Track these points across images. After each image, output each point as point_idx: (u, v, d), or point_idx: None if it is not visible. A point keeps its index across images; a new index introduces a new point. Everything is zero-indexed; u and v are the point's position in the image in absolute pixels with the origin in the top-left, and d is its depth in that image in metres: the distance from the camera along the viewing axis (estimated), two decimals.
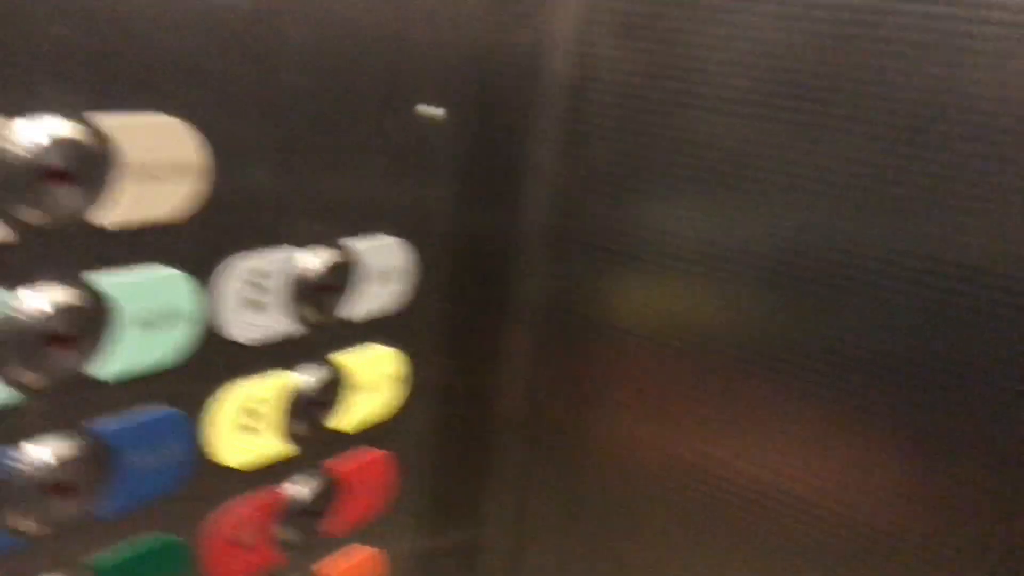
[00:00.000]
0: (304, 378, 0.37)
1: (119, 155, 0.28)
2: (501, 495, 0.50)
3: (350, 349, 0.39)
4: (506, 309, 0.47)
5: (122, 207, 0.28)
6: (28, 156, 0.26)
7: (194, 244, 0.31)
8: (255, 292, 0.34)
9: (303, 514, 0.38)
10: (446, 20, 0.39)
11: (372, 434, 0.41)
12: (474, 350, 0.47)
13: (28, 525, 0.29)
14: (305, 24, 0.32)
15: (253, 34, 0.31)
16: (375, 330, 0.40)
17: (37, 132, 0.26)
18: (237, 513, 0.36)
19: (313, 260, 0.35)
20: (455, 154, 0.41)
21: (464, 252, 0.43)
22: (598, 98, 0.44)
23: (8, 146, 0.25)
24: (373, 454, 0.41)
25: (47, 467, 0.28)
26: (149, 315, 0.30)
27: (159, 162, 0.29)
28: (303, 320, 0.36)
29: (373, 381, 0.40)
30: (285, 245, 0.34)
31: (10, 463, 0.28)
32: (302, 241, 0.35)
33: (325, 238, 0.36)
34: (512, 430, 0.49)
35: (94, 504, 0.30)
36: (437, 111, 0.39)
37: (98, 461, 0.30)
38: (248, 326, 0.34)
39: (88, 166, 0.27)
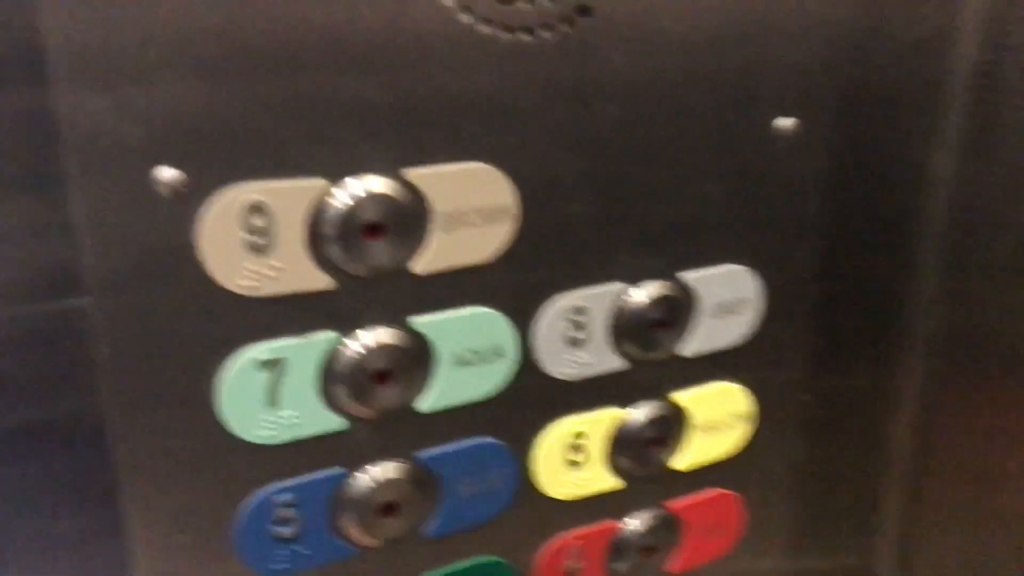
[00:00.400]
0: (634, 415, 0.35)
1: (431, 206, 0.29)
2: (880, 546, 0.44)
3: (690, 386, 0.36)
4: (890, 338, 0.41)
5: (435, 254, 0.30)
6: (348, 213, 0.28)
7: (510, 283, 0.32)
8: (575, 329, 0.33)
9: (638, 550, 0.37)
10: (811, 14, 0.34)
11: (718, 473, 0.38)
12: (850, 383, 0.41)
13: (362, 538, 0.32)
14: (626, 45, 0.31)
15: (562, 68, 0.30)
16: (719, 366, 0.37)
17: (356, 190, 0.28)
18: (567, 543, 0.36)
19: (639, 295, 0.34)
20: (816, 168, 0.36)
21: (834, 277, 0.38)
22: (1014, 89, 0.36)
23: (331, 205, 0.28)
24: (719, 494, 0.39)
25: (376, 488, 0.31)
26: (466, 352, 0.31)
27: (470, 208, 0.30)
28: (628, 357, 0.34)
29: (716, 419, 0.37)
30: (611, 280, 0.33)
31: (345, 483, 0.31)
32: (631, 275, 0.34)
33: (658, 271, 0.34)
34: (898, 466, 0.43)
35: (421, 524, 0.33)
36: (790, 121, 0.34)
37: (422, 485, 0.32)
38: (568, 363, 0.33)
39: (402, 218, 0.29)
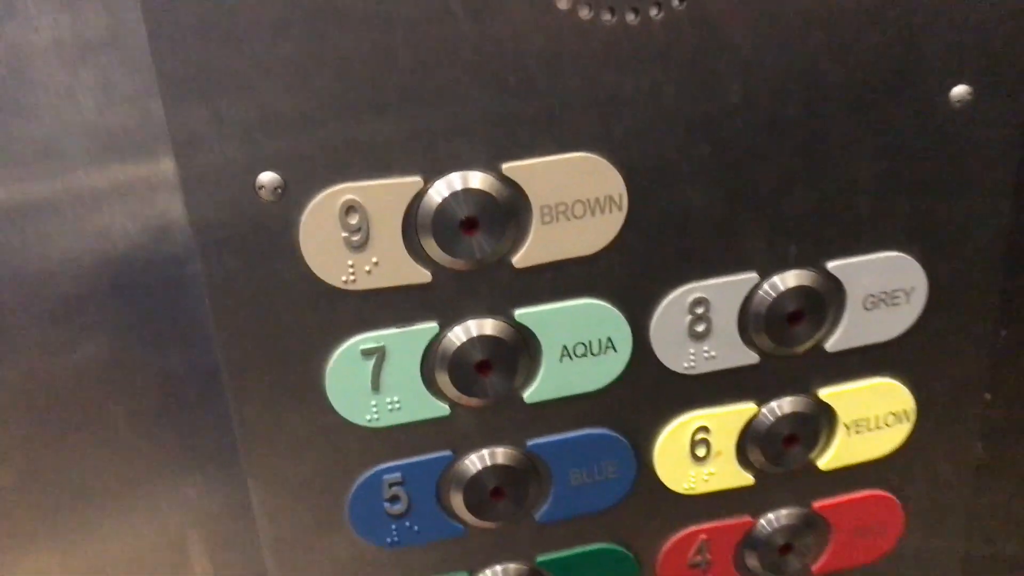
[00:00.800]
0: (768, 410, 0.33)
1: (530, 199, 0.28)
2: None
3: (838, 382, 0.33)
4: None
5: (536, 247, 0.29)
6: (442, 209, 0.28)
7: (620, 275, 0.30)
8: (696, 322, 0.31)
9: (773, 548, 0.35)
10: None
11: (874, 474, 0.35)
12: None
13: (471, 519, 0.32)
14: (747, 18, 0.27)
15: (673, 47, 0.27)
16: (874, 360, 0.33)
17: (452, 186, 0.28)
18: (692, 536, 0.35)
19: (772, 285, 0.31)
20: (992, 140, 0.30)
21: (1016, 262, 0.33)
22: None
23: (427, 201, 0.28)
24: (872, 495, 0.35)
25: (483, 472, 0.32)
26: (573, 344, 0.30)
27: (573, 199, 0.28)
28: (760, 351, 0.32)
29: (869, 417, 0.34)
30: (741, 270, 0.31)
31: (452, 466, 0.32)
32: (764, 265, 0.31)
33: (798, 260, 0.31)
34: None
35: (532, 509, 0.33)
36: (963, 89, 0.29)
37: (529, 471, 0.32)
38: (690, 356, 0.31)
39: (499, 213, 0.28)
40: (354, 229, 0.28)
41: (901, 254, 0.31)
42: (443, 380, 0.30)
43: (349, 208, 0.27)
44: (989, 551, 0.38)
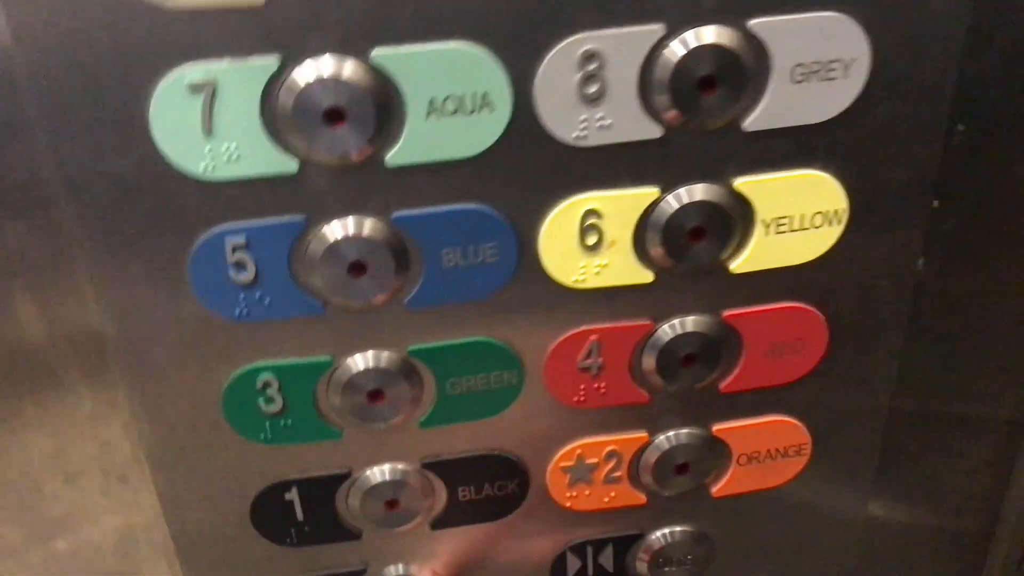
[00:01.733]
0: (670, 198, 0.29)
1: None
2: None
3: (757, 171, 0.29)
4: None
5: None
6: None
7: (499, 14, 0.25)
8: (588, 81, 0.26)
9: (675, 357, 0.32)
10: None
11: (794, 282, 0.31)
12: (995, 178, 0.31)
13: (329, 296, 0.29)
14: None
15: None
16: (802, 148, 0.29)
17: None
18: (581, 335, 0.31)
19: (681, 43, 0.26)
20: None
21: (989, 46, 0.28)
22: None
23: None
24: (790, 306, 0.32)
25: (340, 243, 0.28)
26: (440, 95, 0.26)
27: None
28: (664, 124, 0.27)
29: (792, 215, 0.30)
30: (643, 22, 0.26)
31: (305, 234, 0.28)
32: (675, 15, 0.26)
33: (715, 15, 0.26)
34: None
35: (403, 293, 0.30)
36: None
37: (395, 247, 0.28)
38: (579, 122, 0.27)
39: None
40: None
41: (841, 15, 0.26)
42: (288, 129, 0.26)
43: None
44: (926, 372, 0.34)
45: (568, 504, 0.35)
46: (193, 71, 0.25)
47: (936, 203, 0.30)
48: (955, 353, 0.34)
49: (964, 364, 0.35)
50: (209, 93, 0.25)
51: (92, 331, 0.29)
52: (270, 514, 0.33)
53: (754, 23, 0.26)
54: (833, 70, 0.27)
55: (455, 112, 0.26)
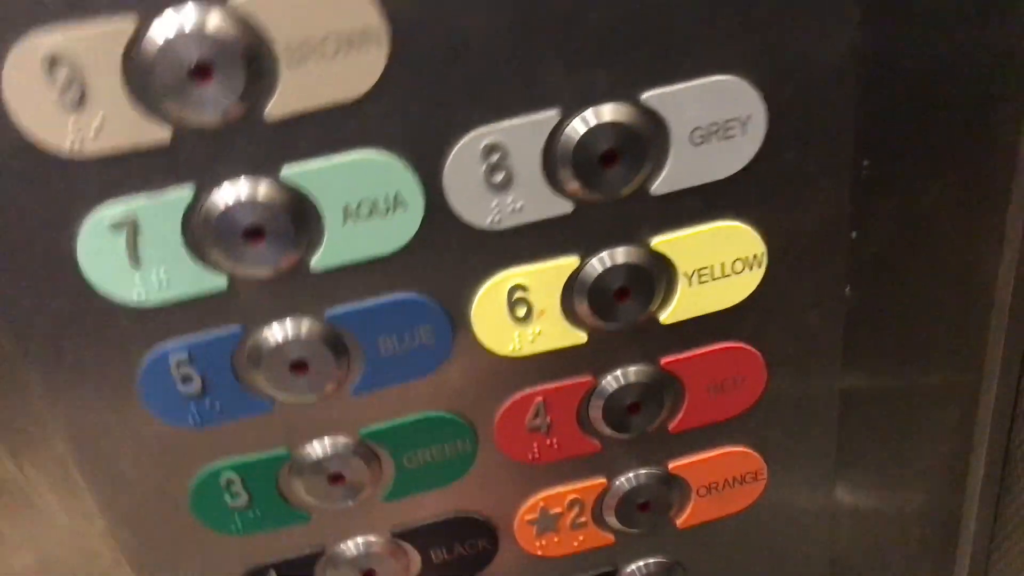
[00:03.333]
0: (594, 263, 0.30)
1: (271, 37, 0.24)
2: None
3: (672, 228, 0.30)
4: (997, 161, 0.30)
5: (288, 94, 0.25)
6: (171, 53, 0.24)
7: (396, 120, 0.26)
8: (494, 171, 0.27)
9: (621, 407, 0.33)
10: None
11: (724, 324, 0.32)
12: (908, 208, 0.32)
13: (277, 394, 0.30)
14: None
15: None
16: (712, 201, 0.29)
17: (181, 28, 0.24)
18: (527, 399, 0.32)
19: (578, 124, 0.27)
20: None
21: (883, 83, 0.28)
22: None
23: (148, 50, 0.24)
24: (724, 347, 0.33)
25: (281, 345, 0.29)
26: (353, 202, 0.27)
27: (321, 34, 0.25)
28: (575, 199, 0.28)
29: (710, 265, 0.31)
30: (538, 109, 0.27)
31: (244, 341, 0.29)
32: (569, 99, 0.27)
33: (607, 92, 0.27)
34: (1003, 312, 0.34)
35: (347, 383, 0.31)
36: None
37: (333, 342, 0.30)
38: (491, 209, 0.28)
39: (236, 56, 0.24)
40: (64, 85, 0.24)
41: (731, 77, 0.27)
42: (212, 251, 0.27)
43: (54, 60, 0.24)
44: (868, 387, 0.35)
45: (539, 552, 0.36)
46: (112, 211, 0.26)
47: (855, 234, 0.31)
48: (897, 329, 0.35)
49: (907, 339, 0.35)
50: (131, 229, 0.26)
51: (57, 454, 0.30)
52: None
53: (647, 96, 0.27)
54: (731, 128, 0.28)
55: (370, 214, 0.27)
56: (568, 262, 0.30)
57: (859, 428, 0.36)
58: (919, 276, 0.33)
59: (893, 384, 0.36)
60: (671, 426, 0.34)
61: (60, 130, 0.25)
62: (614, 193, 0.28)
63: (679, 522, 0.37)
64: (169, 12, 0.24)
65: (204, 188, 0.26)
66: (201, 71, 0.24)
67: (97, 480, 0.31)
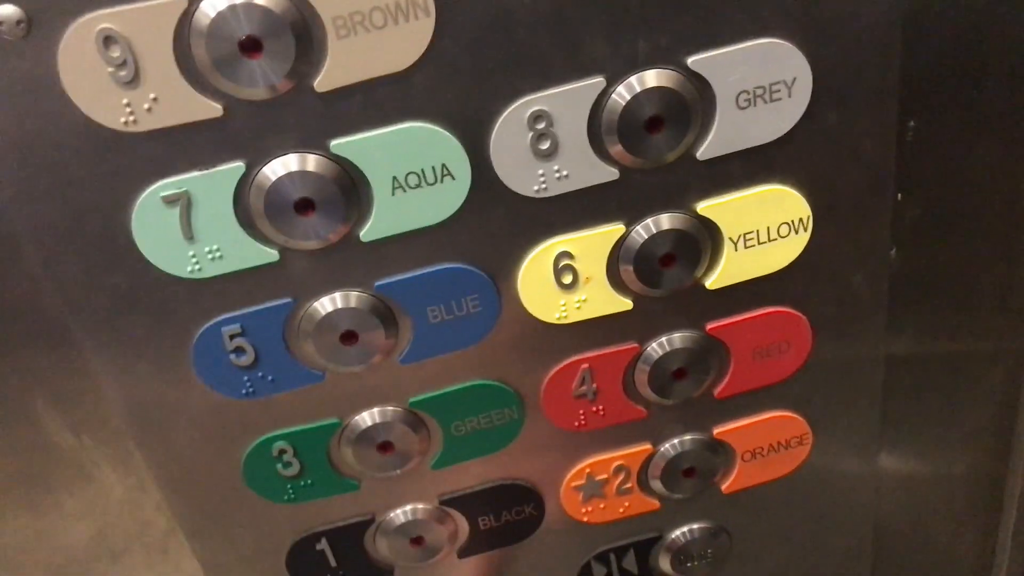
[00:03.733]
0: (639, 229, 0.30)
1: (316, 9, 0.25)
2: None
3: (718, 193, 0.30)
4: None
5: (337, 67, 0.25)
6: (223, 26, 0.24)
7: (444, 90, 0.26)
8: (540, 139, 0.27)
9: (666, 373, 0.33)
10: None
11: (770, 289, 0.32)
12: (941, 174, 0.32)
13: (326, 364, 0.31)
14: None
15: None
16: (758, 166, 0.29)
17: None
18: (573, 366, 0.32)
19: (623, 90, 0.27)
20: None
21: (927, 42, 0.28)
22: None
23: (200, 22, 0.24)
24: (772, 312, 0.33)
25: (330, 315, 0.30)
26: (401, 173, 0.27)
27: (369, 6, 0.25)
28: (619, 165, 0.28)
29: (756, 230, 0.30)
30: (585, 76, 0.27)
31: (295, 312, 0.30)
32: (614, 66, 0.27)
33: (653, 58, 0.27)
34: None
35: (396, 353, 0.31)
36: None
37: (381, 312, 0.30)
38: (538, 177, 0.28)
39: (292, 30, 0.24)
40: (118, 63, 0.24)
41: (776, 40, 0.27)
42: (263, 224, 0.28)
43: (107, 38, 0.24)
44: (912, 351, 0.35)
45: (585, 519, 0.36)
46: (166, 186, 0.27)
47: (900, 196, 0.31)
48: (942, 292, 0.35)
49: (952, 302, 0.35)
50: (184, 203, 0.27)
51: (114, 427, 0.31)
52: (305, 565, 0.35)
53: (693, 60, 0.27)
54: (777, 91, 0.28)
55: (418, 185, 0.28)
56: (614, 229, 0.30)
57: (904, 392, 0.36)
58: (965, 238, 0.33)
59: (938, 347, 0.36)
60: (716, 392, 0.34)
61: (114, 107, 0.25)
62: (660, 159, 0.28)
63: (724, 487, 0.37)
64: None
65: (255, 162, 0.27)
66: (251, 45, 0.25)
67: (152, 451, 0.32)
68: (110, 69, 0.24)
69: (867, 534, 0.41)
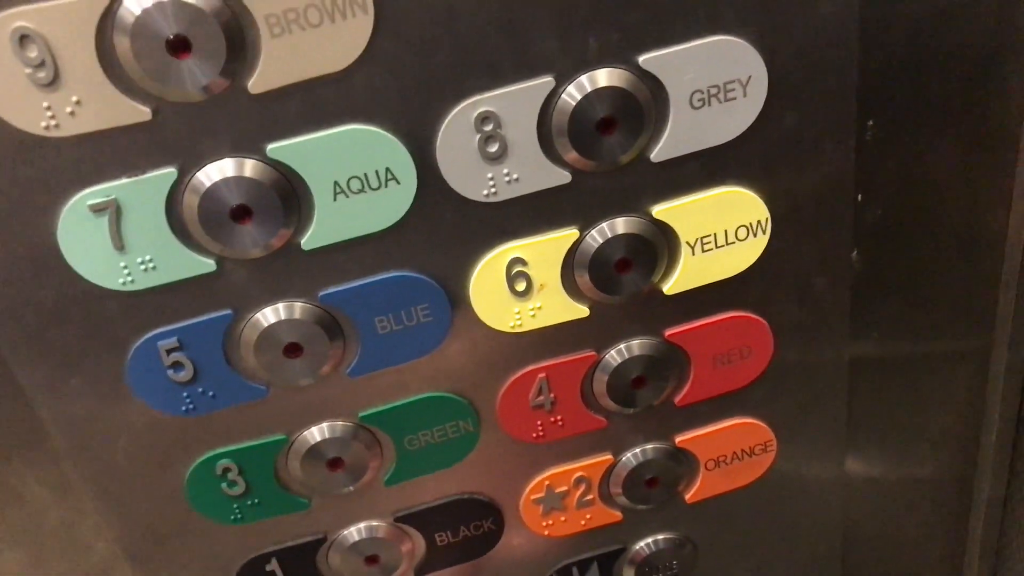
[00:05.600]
0: (594, 234, 0.29)
1: (249, 10, 0.23)
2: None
3: (672, 196, 0.29)
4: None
5: (272, 67, 0.24)
6: (148, 24, 0.23)
7: (384, 91, 0.25)
8: (488, 141, 0.26)
9: (625, 381, 0.32)
10: None
11: (729, 294, 0.31)
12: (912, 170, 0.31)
13: (270, 378, 0.29)
14: None
15: None
16: (713, 167, 0.29)
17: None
18: (529, 376, 0.31)
19: (573, 90, 0.26)
20: None
21: (885, 39, 0.28)
22: None
23: (122, 20, 0.23)
24: (729, 316, 0.32)
25: (273, 327, 0.28)
26: (343, 178, 0.26)
27: (303, 3, 0.24)
28: (571, 168, 0.27)
29: (713, 233, 0.30)
30: (536, 75, 0.26)
31: (235, 325, 0.28)
32: (563, 65, 0.26)
33: (601, 56, 0.26)
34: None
35: (343, 365, 0.30)
36: None
37: (326, 324, 0.29)
38: (487, 181, 0.27)
39: (215, 30, 0.23)
40: (36, 63, 0.23)
41: (730, 37, 0.26)
42: (198, 233, 0.26)
43: (23, 36, 0.23)
44: (876, 353, 0.35)
45: (546, 532, 0.35)
46: (93, 194, 0.25)
47: (860, 197, 0.31)
48: (905, 293, 0.34)
49: (915, 303, 0.34)
50: (113, 212, 0.25)
51: (48, 447, 0.30)
52: None
53: (644, 59, 0.26)
54: (732, 91, 0.27)
55: (361, 190, 0.27)
56: (567, 234, 0.29)
57: (869, 396, 0.36)
58: (927, 238, 0.32)
59: (903, 350, 0.35)
60: (677, 399, 0.33)
61: (34, 110, 0.24)
62: (613, 161, 0.27)
63: (688, 497, 0.36)
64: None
65: (188, 168, 0.25)
66: (179, 45, 0.23)
67: (90, 473, 0.30)
68: (28, 70, 0.23)
69: (836, 540, 0.40)
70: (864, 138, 0.29)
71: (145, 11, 0.23)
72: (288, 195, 0.26)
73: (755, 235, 0.30)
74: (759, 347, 0.33)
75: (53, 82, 0.23)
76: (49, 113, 0.24)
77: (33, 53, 0.23)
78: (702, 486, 0.36)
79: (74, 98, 0.24)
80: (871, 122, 0.29)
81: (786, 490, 0.37)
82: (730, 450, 0.35)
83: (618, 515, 0.36)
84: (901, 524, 0.41)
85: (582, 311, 0.30)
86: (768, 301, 0.32)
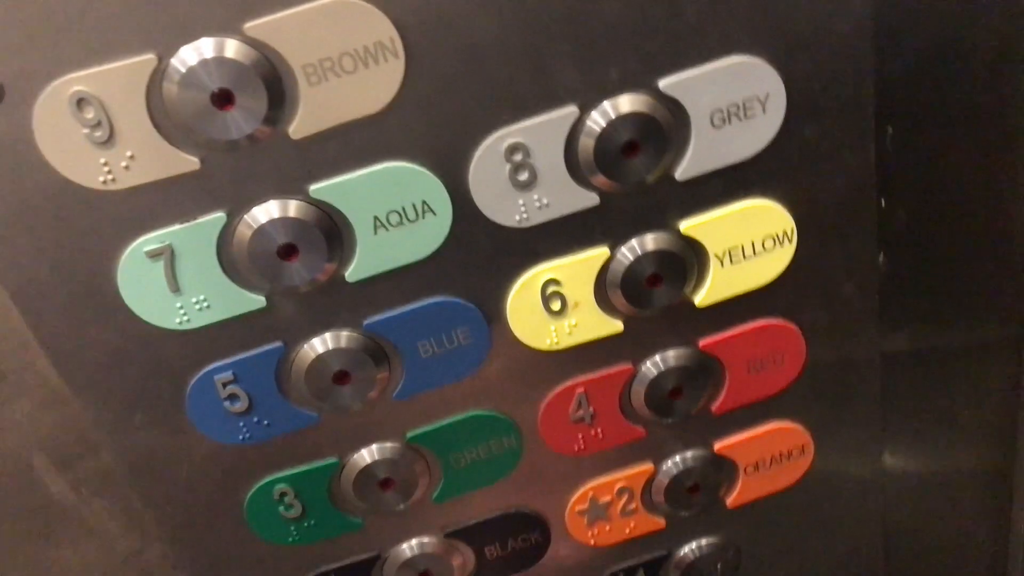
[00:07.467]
0: (624, 252, 0.30)
1: (287, 60, 0.25)
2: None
3: (700, 211, 0.30)
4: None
5: (310, 113, 0.26)
6: (194, 81, 0.24)
7: (418, 129, 0.27)
8: (518, 170, 0.28)
9: (662, 392, 0.33)
10: None
11: (760, 303, 0.32)
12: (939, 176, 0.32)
13: (320, 405, 0.31)
14: None
15: None
16: (737, 182, 0.29)
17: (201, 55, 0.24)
18: (568, 391, 0.32)
19: (597, 118, 0.27)
20: None
21: (899, 47, 0.28)
22: None
23: (169, 85, 0.25)
24: (761, 324, 0.33)
25: (322, 357, 0.30)
26: (382, 212, 0.28)
27: (338, 52, 0.25)
28: (599, 190, 0.28)
29: (740, 245, 0.30)
30: (560, 105, 0.27)
31: (287, 356, 0.30)
32: (586, 95, 0.27)
33: (622, 83, 0.27)
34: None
35: (390, 389, 0.31)
36: None
37: (373, 351, 0.30)
38: (519, 208, 0.28)
39: (259, 80, 0.25)
40: (93, 123, 0.25)
41: (746, 57, 0.27)
42: (248, 271, 0.28)
43: (80, 100, 0.24)
44: (908, 352, 0.35)
45: (592, 542, 0.36)
46: (148, 240, 0.27)
47: (884, 202, 0.31)
48: (933, 293, 0.34)
49: (944, 301, 0.35)
50: (168, 256, 0.27)
51: (115, 479, 0.31)
52: None
53: (664, 83, 0.27)
54: (751, 108, 0.28)
55: (400, 223, 0.28)
56: (598, 253, 0.30)
57: (904, 393, 0.36)
58: (951, 236, 0.33)
59: (934, 346, 0.36)
60: (714, 407, 0.34)
61: (92, 167, 0.25)
62: (639, 182, 0.29)
63: (729, 501, 0.37)
64: (186, 45, 0.24)
65: (236, 211, 0.27)
66: (223, 98, 0.25)
67: (153, 500, 0.32)
68: (85, 130, 0.25)
69: (877, 538, 0.41)
70: (884, 145, 0.30)
71: (190, 69, 0.24)
72: (331, 231, 0.28)
73: (782, 245, 0.31)
74: (791, 353, 0.33)
75: (109, 140, 0.25)
76: (106, 168, 0.25)
77: (90, 114, 0.24)
78: (742, 490, 0.36)
79: (128, 153, 0.25)
80: (890, 128, 0.30)
81: (825, 491, 0.38)
82: (768, 454, 0.36)
83: (661, 522, 0.37)
84: (942, 520, 0.41)
85: (616, 326, 0.31)
86: (798, 308, 0.33)
